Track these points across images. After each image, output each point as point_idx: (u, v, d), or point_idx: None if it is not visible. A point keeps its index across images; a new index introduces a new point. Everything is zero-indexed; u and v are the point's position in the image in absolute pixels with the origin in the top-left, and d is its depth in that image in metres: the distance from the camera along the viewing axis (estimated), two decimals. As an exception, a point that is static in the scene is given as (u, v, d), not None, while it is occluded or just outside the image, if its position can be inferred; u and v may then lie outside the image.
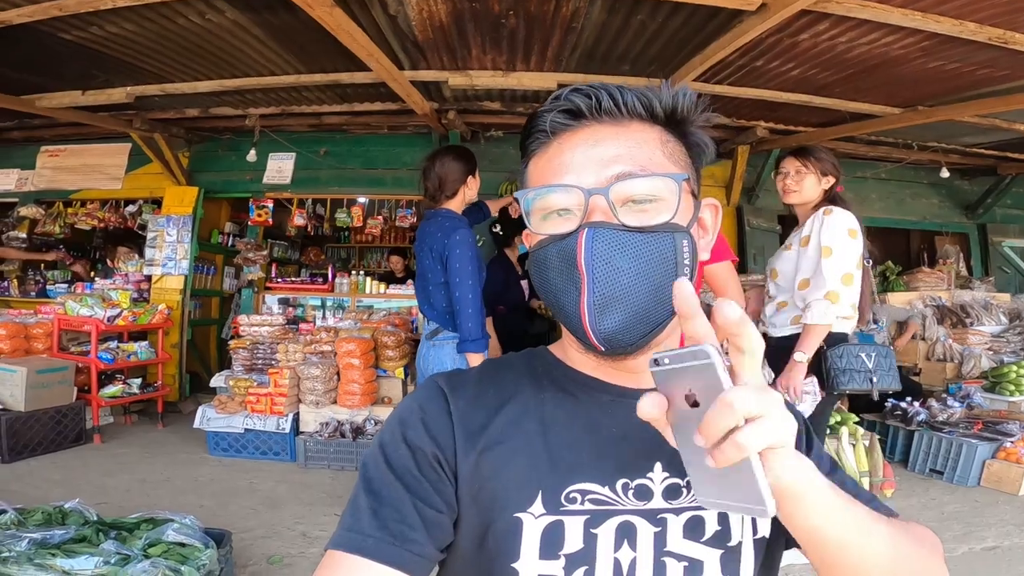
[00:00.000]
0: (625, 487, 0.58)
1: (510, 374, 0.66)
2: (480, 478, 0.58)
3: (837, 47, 3.09)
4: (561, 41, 3.09)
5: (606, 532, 0.56)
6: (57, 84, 3.86)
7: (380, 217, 5.40)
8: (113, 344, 4.23)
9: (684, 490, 0.59)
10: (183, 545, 1.83)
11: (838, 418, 3.16)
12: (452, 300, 2.21)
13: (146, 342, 4.48)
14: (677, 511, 0.58)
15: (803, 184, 2.26)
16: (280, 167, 5.15)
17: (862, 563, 0.49)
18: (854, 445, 3.06)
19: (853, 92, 3.72)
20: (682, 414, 0.42)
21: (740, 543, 0.58)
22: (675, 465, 0.59)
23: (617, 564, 0.56)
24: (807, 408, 2.25)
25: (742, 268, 4.85)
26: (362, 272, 5.44)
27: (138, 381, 4.35)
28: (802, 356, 2.09)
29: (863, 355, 2.15)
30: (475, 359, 2.18)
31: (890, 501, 2.98)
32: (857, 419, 3.22)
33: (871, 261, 2.28)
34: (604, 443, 0.60)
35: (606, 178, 0.57)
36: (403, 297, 4.87)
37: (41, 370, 3.70)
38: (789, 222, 5.44)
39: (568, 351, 0.66)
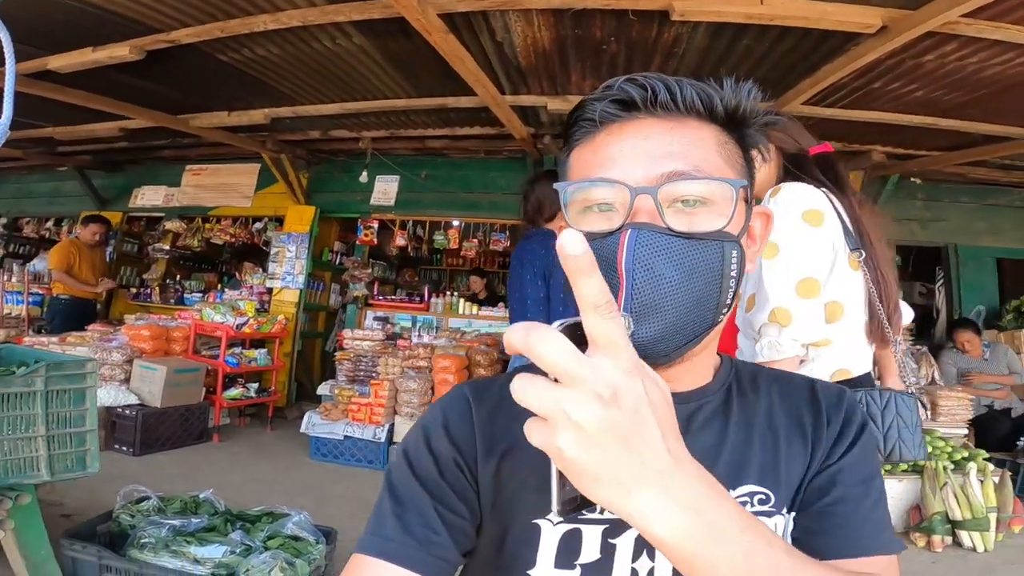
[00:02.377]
0: None
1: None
2: (500, 484, 0.57)
3: (967, 68, 2.87)
4: (661, 66, 3.11)
5: (625, 542, 0.55)
6: (207, 105, 4.33)
7: (475, 240, 5.60)
8: (238, 350, 4.69)
9: None
10: (297, 539, 2.00)
11: (966, 454, 3.17)
12: (552, 316, 2.26)
13: (264, 350, 4.92)
14: None
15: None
16: (386, 189, 5.49)
17: None
18: (982, 481, 2.97)
19: (985, 113, 3.41)
20: None
21: None
22: None
23: (634, 574, 0.54)
24: None
25: None
26: (455, 293, 5.66)
27: (255, 386, 4.76)
28: None
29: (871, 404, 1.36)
30: None
31: (1020, 536, 3.01)
32: (987, 456, 3.15)
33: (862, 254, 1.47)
34: None
35: (656, 176, 0.53)
36: (492, 319, 5.00)
37: (178, 370, 4.11)
38: (908, 251, 5.03)
39: None
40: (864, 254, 1.47)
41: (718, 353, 0.67)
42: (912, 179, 4.80)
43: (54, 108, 4.15)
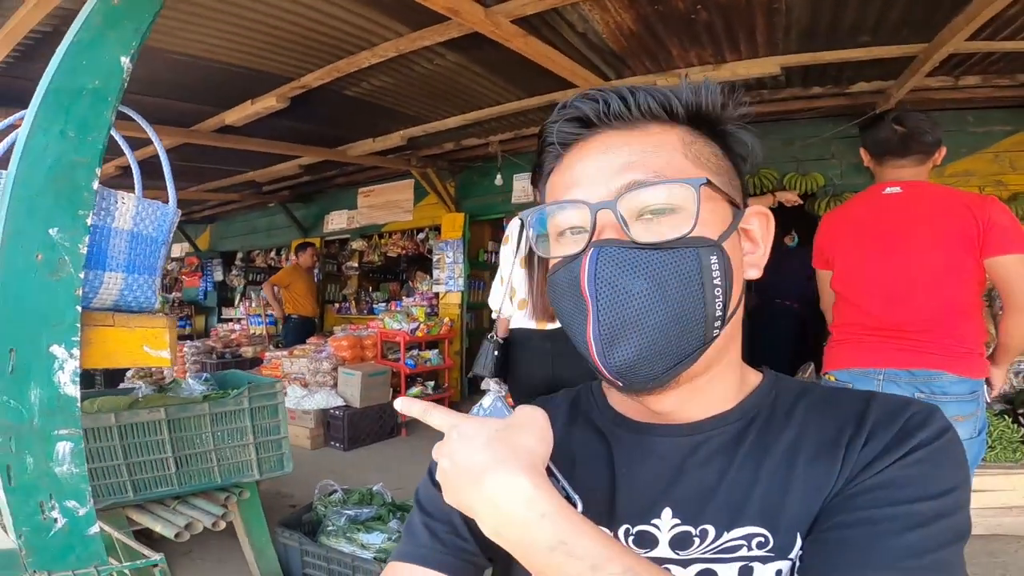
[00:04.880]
0: (626, 533, 0.54)
1: (551, 409, 0.61)
2: None
3: None
4: (768, 25, 2.78)
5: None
6: (354, 135, 4.90)
7: (618, 223, 5.53)
8: (415, 352, 5.30)
9: (696, 539, 0.52)
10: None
11: None
12: None
13: (437, 350, 5.49)
14: (685, 563, 0.51)
15: None
16: (524, 187, 5.67)
17: None
18: None
19: None
20: None
21: None
22: (688, 511, 0.53)
23: None
24: None
25: None
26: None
27: (432, 384, 5.35)
28: None
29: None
30: None
31: None
32: None
33: None
34: (615, 484, 0.56)
35: (615, 189, 0.51)
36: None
37: (371, 373, 4.77)
38: None
39: (607, 385, 0.62)
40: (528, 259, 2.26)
41: (764, 371, 0.61)
42: None
43: (248, 155, 5.05)
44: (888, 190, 1.78)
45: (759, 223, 0.57)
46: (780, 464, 0.53)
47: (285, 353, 5.51)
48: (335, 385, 4.95)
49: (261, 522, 2.37)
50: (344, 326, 6.19)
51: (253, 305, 7.72)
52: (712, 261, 0.50)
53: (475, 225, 6.19)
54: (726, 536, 0.51)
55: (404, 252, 6.97)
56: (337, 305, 7.46)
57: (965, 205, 1.66)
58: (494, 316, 2.49)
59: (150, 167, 1.55)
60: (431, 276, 6.33)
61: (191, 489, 2.19)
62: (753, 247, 0.57)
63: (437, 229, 6.32)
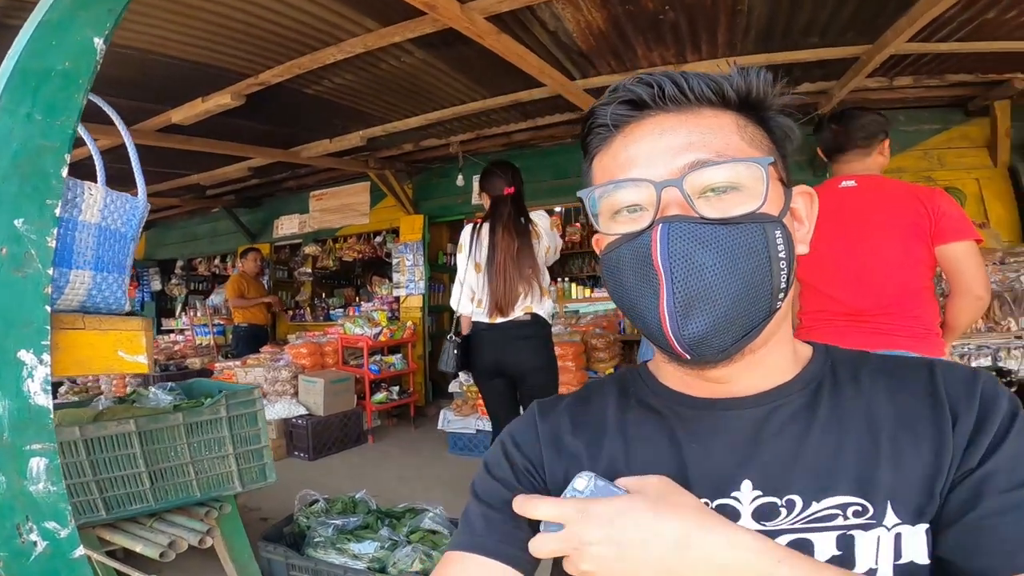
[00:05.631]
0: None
1: (599, 395, 0.66)
2: None
3: None
4: (729, 25, 2.91)
5: None
6: (310, 135, 4.75)
7: (578, 224, 5.64)
8: (378, 357, 5.20)
9: (783, 510, 0.52)
10: (434, 532, 2.27)
11: None
12: None
13: (400, 355, 5.40)
14: (773, 534, 0.51)
15: None
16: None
17: None
18: None
19: None
20: None
21: (874, 571, 0.50)
22: (769, 482, 0.53)
23: None
24: None
25: None
26: (567, 279, 5.75)
27: (396, 388, 5.26)
28: None
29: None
30: None
31: None
32: None
33: None
34: (685, 461, 0.56)
35: (679, 168, 0.52)
36: (607, 299, 5.03)
37: (333, 380, 4.63)
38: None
39: (660, 365, 0.63)
40: (483, 263, 2.65)
41: (812, 343, 0.63)
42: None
43: (192, 157, 4.78)
44: (844, 184, 1.90)
45: (804, 202, 0.60)
46: (863, 433, 0.53)
47: (238, 363, 5.30)
48: (295, 394, 4.80)
49: (242, 537, 2.25)
50: (300, 334, 5.99)
51: (198, 315, 7.35)
52: (777, 236, 0.52)
53: (434, 227, 6.14)
54: (816, 506, 0.51)
55: (360, 256, 6.82)
56: (291, 312, 7.20)
57: (916, 197, 1.79)
58: (456, 315, 2.79)
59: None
60: (390, 280, 6.23)
61: (168, 505, 2.06)
62: (799, 225, 0.60)
63: (395, 232, 6.23)
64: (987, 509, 0.48)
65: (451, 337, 2.69)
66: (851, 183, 1.89)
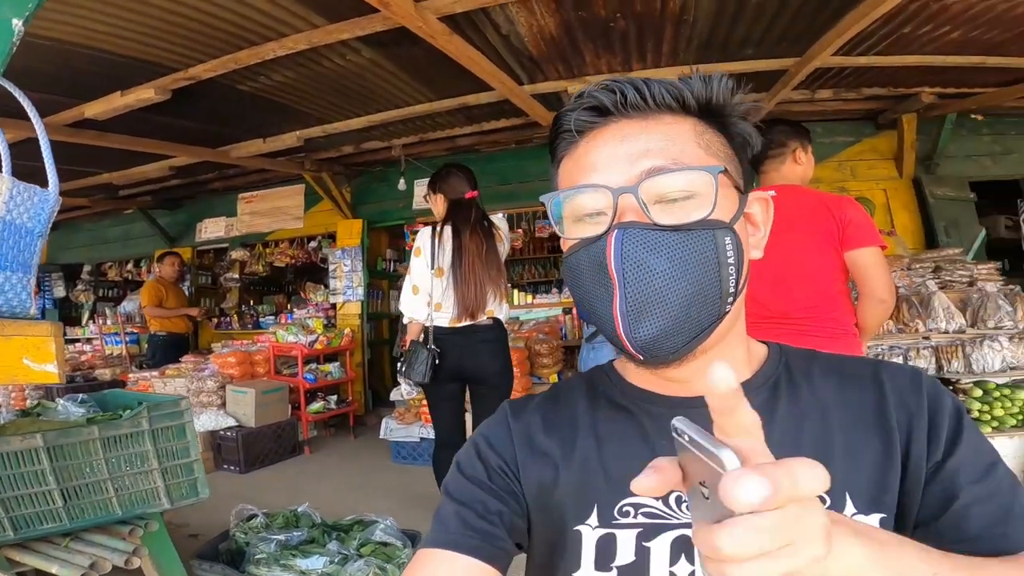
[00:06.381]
0: (679, 500, 0.56)
1: (568, 394, 0.68)
2: (544, 492, 0.61)
3: (996, 7, 2.72)
4: (674, 35, 3.04)
5: (660, 546, 0.55)
6: (242, 134, 4.51)
7: (519, 231, 5.66)
8: (313, 366, 4.98)
9: None
10: (386, 544, 2.17)
11: None
12: None
13: (337, 363, 5.20)
14: None
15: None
16: (425, 192, 5.60)
17: None
18: None
19: (1029, 48, 3.18)
20: (696, 491, 0.35)
21: None
22: None
23: None
24: None
25: (932, 243, 4.40)
26: (509, 284, 5.74)
27: (334, 398, 5.06)
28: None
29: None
30: None
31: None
32: None
33: None
34: (657, 456, 0.55)
35: (635, 175, 0.54)
36: (549, 306, 5.07)
37: (265, 391, 4.41)
38: (986, 189, 4.72)
39: (626, 364, 0.65)
40: (446, 267, 2.59)
41: (766, 343, 0.66)
42: (972, 116, 4.54)
43: (106, 154, 4.42)
44: (765, 194, 2.04)
45: (760, 208, 0.62)
46: (819, 428, 0.57)
47: (155, 373, 4.95)
48: (223, 405, 4.51)
49: (173, 556, 2.07)
50: (226, 342, 5.64)
51: (109, 323, 6.78)
52: (727, 242, 0.54)
53: (373, 232, 5.98)
54: None
55: (293, 262, 6.54)
56: (216, 320, 6.78)
57: (826, 205, 1.93)
58: (405, 321, 2.73)
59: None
60: (326, 286, 6.00)
61: (86, 524, 1.86)
62: (755, 230, 0.61)
63: (332, 236, 6.02)
64: (965, 501, 0.52)
65: (430, 347, 2.57)
66: (771, 193, 2.01)
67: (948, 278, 3.74)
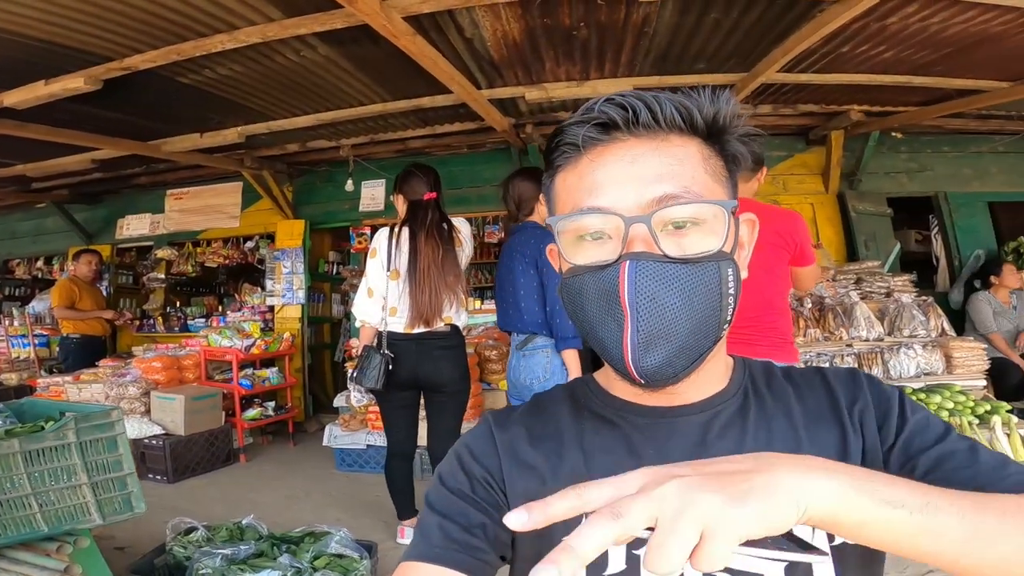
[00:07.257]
0: None
1: (552, 407, 0.68)
2: (528, 502, 0.60)
3: (930, 27, 2.95)
4: (634, 46, 3.14)
5: None
6: (177, 128, 4.27)
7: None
8: (249, 371, 4.74)
9: None
10: (341, 556, 2.09)
11: (988, 407, 2.94)
12: (548, 302, 2.33)
13: (275, 368, 4.98)
14: None
15: None
16: (373, 194, 5.48)
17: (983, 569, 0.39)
18: (1008, 435, 2.83)
19: (957, 69, 3.49)
20: None
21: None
22: None
23: None
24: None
25: (852, 256, 4.73)
26: (457, 289, 5.70)
27: (272, 404, 4.84)
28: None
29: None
30: (572, 355, 2.30)
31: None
32: (1009, 407, 2.96)
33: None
34: (643, 465, 0.57)
35: (648, 201, 0.54)
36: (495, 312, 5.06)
37: (195, 397, 4.17)
38: (900, 205, 5.15)
39: (610, 377, 0.66)
40: (403, 270, 2.55)
41: (729, 355, 0.68)
42: (893, 134, 4.90)
43: (21, 145, 4.08)
44: None
45: (747, 229, 0.64)
46: (786, 429, 0.61)
47: (68, 378, 4.59)
48: (147, 411, 4.22)
49: (104, 572, 1.91)
50: (149, 346, 5.27)
51: (16, 324, 6.18)
52: (729, 273, 0.56)
53: (316, 233, 5.79)
54: None
55: (227, 262, 6.20)
56: (137, 323, 6.32)
57: (781, 221, 2.07)
58: (358, 325, 2.67)
59: None
60: (263, 288, 5.74)
61: (7, 541, 1.69)
62: (740, 250, 0.62)
63: (270, 237, 5.77)
64: (925, 465, 0.55)
65: (383, 352, 2.49)
66: (752, 215, 2.15)
67: (868, 289, 4.05)
